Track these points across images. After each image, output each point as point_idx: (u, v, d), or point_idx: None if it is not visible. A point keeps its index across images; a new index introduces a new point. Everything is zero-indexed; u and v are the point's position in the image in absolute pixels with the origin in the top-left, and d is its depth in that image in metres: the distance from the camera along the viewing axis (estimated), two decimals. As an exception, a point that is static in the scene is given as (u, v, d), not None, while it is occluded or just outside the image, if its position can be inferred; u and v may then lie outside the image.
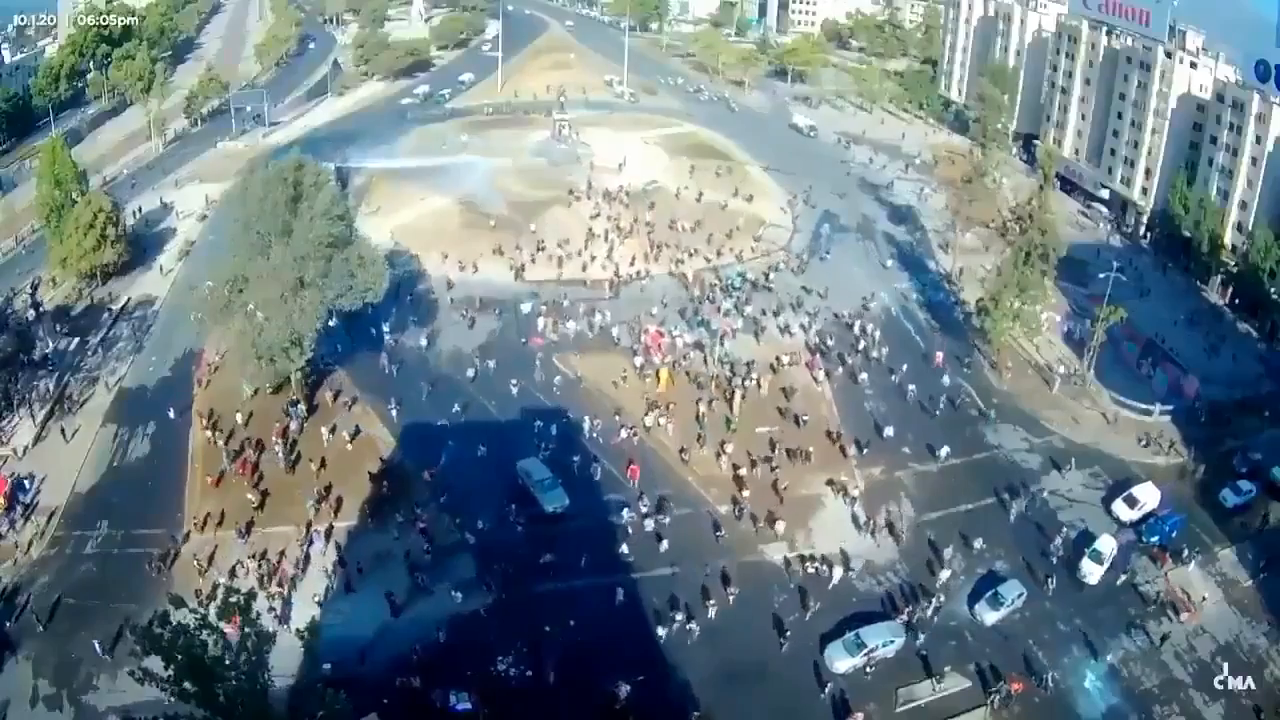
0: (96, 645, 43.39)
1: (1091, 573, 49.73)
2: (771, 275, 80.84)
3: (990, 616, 46.83)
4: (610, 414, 60.53)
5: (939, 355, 68.45)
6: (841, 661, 43.94)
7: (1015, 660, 44.89)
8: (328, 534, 50.28)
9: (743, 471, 55.97)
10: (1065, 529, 53.24)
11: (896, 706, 42.66)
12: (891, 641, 44.77)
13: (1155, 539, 52.37)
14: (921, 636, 45.81)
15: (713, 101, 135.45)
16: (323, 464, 55.23)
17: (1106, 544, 51.12)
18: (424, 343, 68.45)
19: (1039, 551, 51.62)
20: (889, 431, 60.12)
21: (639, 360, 66.23)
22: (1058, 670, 44.54)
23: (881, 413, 62.73)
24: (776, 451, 57.54)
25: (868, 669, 43.89)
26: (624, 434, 58.83)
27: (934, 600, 47.79)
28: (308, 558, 48.82)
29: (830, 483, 55.63)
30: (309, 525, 50.74)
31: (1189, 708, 43.36)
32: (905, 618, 46.42)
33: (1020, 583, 48.77)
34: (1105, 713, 43.09)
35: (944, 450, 58.67)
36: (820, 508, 54.36)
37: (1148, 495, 55.26)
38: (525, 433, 58.33)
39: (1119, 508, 54.66)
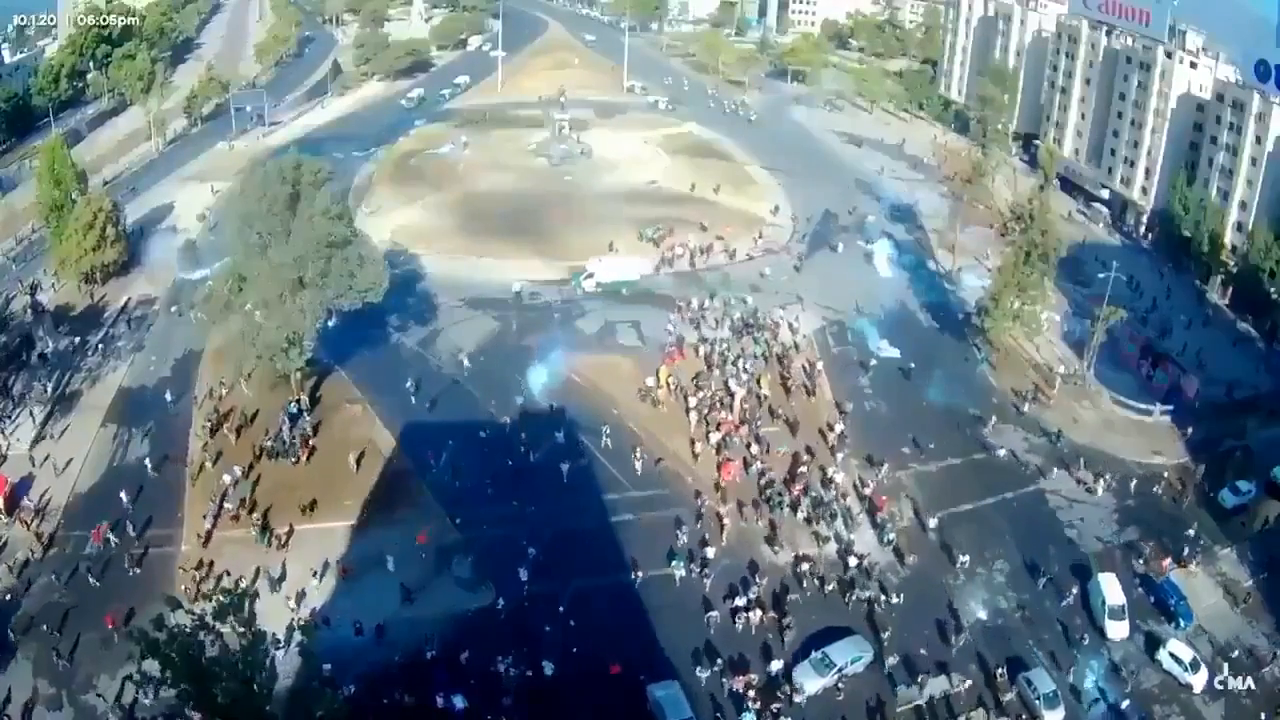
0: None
1: (1117, 632, 46.30)
2: (769, 274, 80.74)
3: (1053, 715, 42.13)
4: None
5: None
6: (811, 682, 42.51)
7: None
8: (325, 534, 50.13)
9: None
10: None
11: (897, 706, 42.57)
12: (860, 657, 43.74)
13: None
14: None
15: (735, 115, 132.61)
16: (320, 464, 55.04)
17: (1114, 593, 47.40)
18: (422, 344, 68.23)
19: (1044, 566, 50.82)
20: (890, 431, 59.99)
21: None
22: (1056, 670, 44.54)
23: (882, 412, 62.70)
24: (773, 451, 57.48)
25: (839, 686, 42.75)
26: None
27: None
28: (306, 557, 48.57)
29: (830, 483, 55.40)
30: (307, 525, 50.59)
31: (1189, 708, 43.31)
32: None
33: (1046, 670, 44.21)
34: (1105, 712, 42.95)
35: (933, 447, 58.47)
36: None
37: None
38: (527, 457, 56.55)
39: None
